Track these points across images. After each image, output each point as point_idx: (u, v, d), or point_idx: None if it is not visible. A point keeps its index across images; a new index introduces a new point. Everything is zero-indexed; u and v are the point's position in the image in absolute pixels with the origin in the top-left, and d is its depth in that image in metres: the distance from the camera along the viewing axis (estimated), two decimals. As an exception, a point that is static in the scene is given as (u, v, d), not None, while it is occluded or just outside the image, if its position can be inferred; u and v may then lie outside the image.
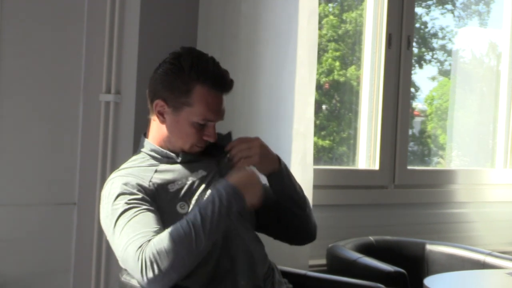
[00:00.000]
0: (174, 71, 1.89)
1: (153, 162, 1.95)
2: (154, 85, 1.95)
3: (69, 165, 2.45)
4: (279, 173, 1.97)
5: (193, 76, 1.88)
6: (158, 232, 1.75)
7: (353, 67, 3.24)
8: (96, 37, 2.45)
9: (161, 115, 1.93)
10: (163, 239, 1.70)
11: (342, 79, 3.24)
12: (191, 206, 1.86)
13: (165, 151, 1.95)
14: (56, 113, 2.43)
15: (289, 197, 1.99)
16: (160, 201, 1.86)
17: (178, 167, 1.93)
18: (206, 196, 1.86)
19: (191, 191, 1.90)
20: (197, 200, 1.88)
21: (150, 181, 1.87)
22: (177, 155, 1.95)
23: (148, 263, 1.69)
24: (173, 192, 1.88)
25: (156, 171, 1.90)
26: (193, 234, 1.69)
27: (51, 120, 2.43)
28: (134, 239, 1.74)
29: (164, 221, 1.81)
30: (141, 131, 2.34)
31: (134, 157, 2.01)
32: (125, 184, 1.84)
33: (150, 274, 1.69)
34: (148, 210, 1.80)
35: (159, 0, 2.39)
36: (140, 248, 1.71)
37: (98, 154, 2.43)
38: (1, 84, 2.33)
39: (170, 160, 1.94)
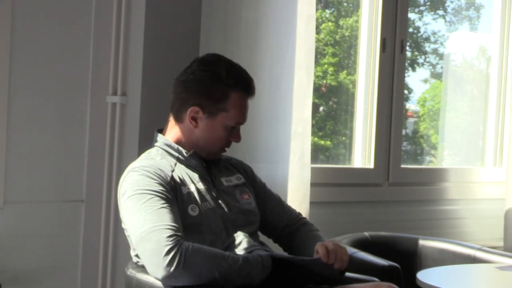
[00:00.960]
0: (210, 78, 1.93)
1: (168, 158, 1.96)
2: (186, 92, 1.95)
3: (77, 164, 2.50)
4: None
5: (230, 83, 1.92)
6: (181, 230, 1.78)
7: (345, 72, 3.28)
8: (103, 41, 2.49)
9: (194, 120, 1.95)
10: (203, 248, 1.75)
11: (334, 83, 3.28)
12: (201, 210, 1.89)
13: (177, 146, 1.97)
14: (64, 114, 2.48)
15: None
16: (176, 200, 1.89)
17: (188, 171, 1.95)
18: (209, 204, 1.92)
19: (201, 195, 1.92)
20: (205, 205, 1.91)
21: (171, 177, 1.89)
22: (187, 152, 1.95)
23: (178, 256, 1.71)
24: (185, 194, 1.90)
25: (173, 170, 1.92)
26: (226, 266, 1.74)
27: (59, 120, 2.47)
28: (162, 227, 1.74)
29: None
30: (147, 131, 2.37)
31: (148, 150, 2.02)
32: (152, 174, 1.86)
33: (173, 266, 1.71)
34: (173, 206, 1.83)
35: (164, 6, 2.42)
36: (172, 239, 1.72)
37: (105, 153, 2.47)
38: (12, 86, 2.38)
39: (180, 158, 1.96)
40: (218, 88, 1.93)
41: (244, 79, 1.96)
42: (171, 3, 2.45)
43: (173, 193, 1.87)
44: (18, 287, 2.41)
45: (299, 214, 2.18)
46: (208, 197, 1.93)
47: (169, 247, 1.73)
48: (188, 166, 1.96)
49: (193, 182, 1.94)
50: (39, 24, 2.43)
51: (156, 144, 2.02)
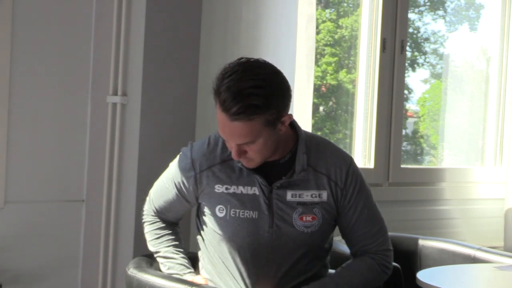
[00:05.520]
0: (217, 77, 1.80)
1: (222, 150, 1.90)
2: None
3: (77, 164, 2.50)
4: None
5: (215, 90, 1.78)
6: (162, 208, 2.02)
7: (344, 70, 3.29)
8: (103, 41, 2.49)
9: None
10: (147, 230, 2.05)
11: (334, 82, 3.29)
12: (228, 214, 1.87)
13: None
14: (65, 114, 2.48)
15: None
16: (201, 194, 1.90)
17: (244, 171, 1.87)
18: (247, 213, 1.86)
19: (234, 200, 1.87)
20: (237, 212, 1.86)
21: (199, 173, 1.89)
22: None
23: (144, 221, 2.08)
24: (218, 193, 1.87)
25: (212, 166, 1.88)
26: (154, 247, 2.03)
27: (60, 120, 2.47)
28: (150, 196, 2.05)
29: (205, 214, 1.92)
30: (147, 131, 2.39)
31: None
32: (185, 164, 1.91)
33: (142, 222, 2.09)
34: (176, 195, 1.96)
35: (164, 6, 2.43)
36: (146, 211, 2.06)
37: (105, 153, 2.47)
38: (13, 86, 2.38)
39: (230, 156, 1.85)
40: (214, 89, 1.79)
41: (226, 94, 1.72)
42: (171, 3, 2.45)
43: (190, 187, 1.93)
44: (18, 287, 2.41)
45: (378, 249, 2.00)
46: (250, 204, 1.86)
47: (144, 212, 2.08)
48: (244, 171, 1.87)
49: (237, 184, 1.87)
50: (39, 24, 2.44)
51: None
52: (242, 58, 1.80)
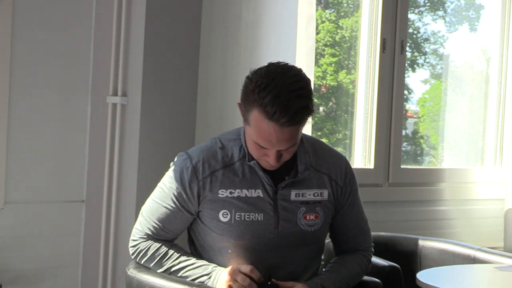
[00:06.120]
0: (248, 84, 1.78)
1: (232, 152, 1.88)
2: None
3: (77, 164, 2.51)
4: None
5: (255, 98, 1.76)
6: (160, 229, 1.91)
7: (344, 71, 3.29)
8: (103, 42, 2.49)
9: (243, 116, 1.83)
10: (149, 255, 1.92)
11: (334, 83, 3.29)
12: (233, 218, 1.85)
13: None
14: (65, 115, 2.49)
15: None
16: (203, 201, 1.87)
17: (247, 174, 1.86)
18: (252, 215, 1.86)
19: (239, 204, 1.86)
20: (242, 215, 1.85)
21: (202, 179, 1.86)
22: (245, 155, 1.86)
23: (136, 253, 1.94)
24: (222, 198, 1.86)
25: (215, 171, 1.87)
26: (162, 267, 1.91)
27: (60, 121, 2.48)
28: (145, 222, 1.93)
29: (204, 222, 1.89)
30: (147, 131, 2.40)
31: (223, 136, 1.94)
32: (184, 177, 1.86)
33: (133, 256, 1.96)
34: (178, 211, 1.89)
35: (164, 6, 2.43)
36: (138, 236, 1.94)
37: (105, 154, 2.47)
38: (13, 87, 2.39)
39: (245, 158, 1.86)
40: (247, 98, 1.77)
41: (275, 105, 1.71)
42: (171, 3, 2.45)
43: (194, 195, 1.87)
44: (18, 287, 2.41)
45: (367, 246, 2.05)
46: (255, 207, 1.86)
47: (134, 243, 1.96)
48: (250, 168, 1.87)
49: (241, 187, 1.86)
50: (39, 24, 2.44)
51: (235, 136, 1.92)
52: (269, 64, 1.80)
